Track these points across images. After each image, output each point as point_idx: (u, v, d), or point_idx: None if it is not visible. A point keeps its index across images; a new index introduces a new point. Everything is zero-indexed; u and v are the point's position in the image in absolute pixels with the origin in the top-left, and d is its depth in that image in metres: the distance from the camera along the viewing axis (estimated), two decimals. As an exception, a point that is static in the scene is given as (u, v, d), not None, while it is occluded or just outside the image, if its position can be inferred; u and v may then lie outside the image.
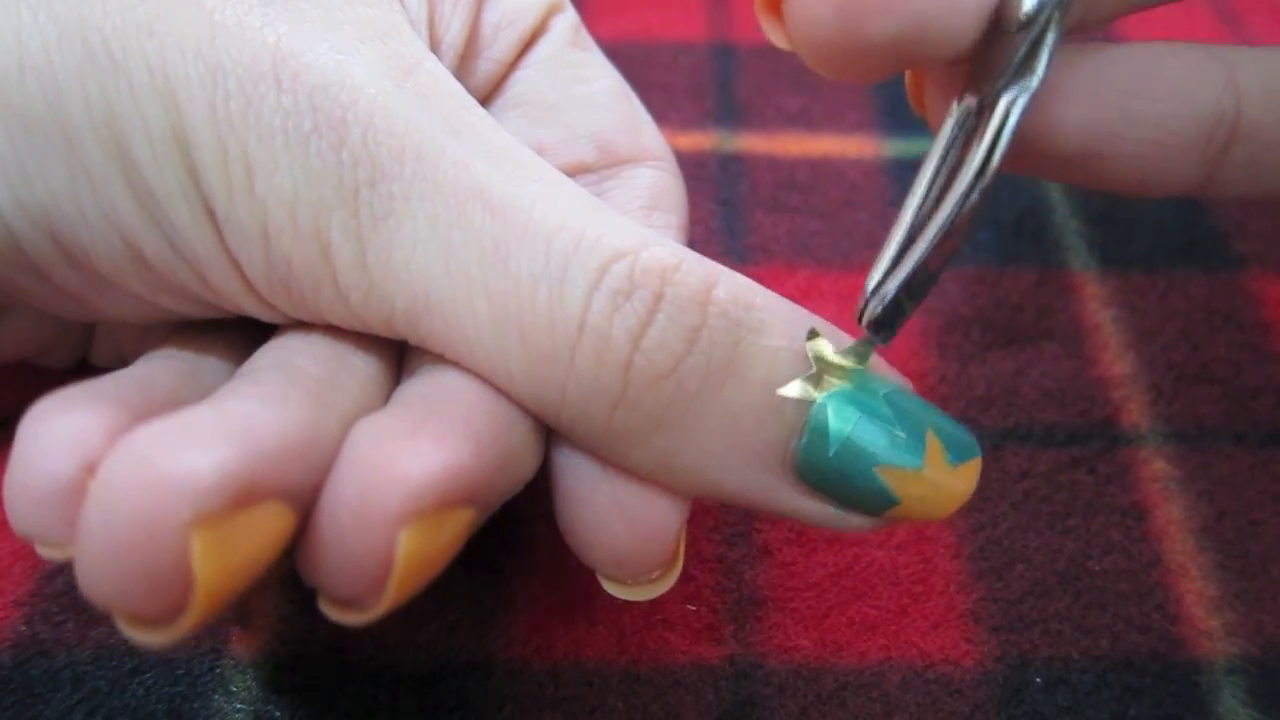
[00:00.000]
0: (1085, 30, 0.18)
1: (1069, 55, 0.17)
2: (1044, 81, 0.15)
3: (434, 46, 0.19)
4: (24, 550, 0.21)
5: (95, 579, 0.13)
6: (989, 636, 0.21)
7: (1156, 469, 0.24)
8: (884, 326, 0.16)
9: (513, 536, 0.22)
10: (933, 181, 0.16)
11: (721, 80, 0.33)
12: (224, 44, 0.16)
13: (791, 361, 0.16)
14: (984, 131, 0.16)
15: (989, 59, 0.16)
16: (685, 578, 0.22)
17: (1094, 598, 0.22)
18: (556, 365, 0.16)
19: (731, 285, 0.16)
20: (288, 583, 0.21)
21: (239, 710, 0.19)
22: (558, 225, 0.16)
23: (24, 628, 0.20)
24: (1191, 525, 0.23)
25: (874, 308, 0.16)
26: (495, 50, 0.21)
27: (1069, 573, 0.22)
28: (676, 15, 0.35)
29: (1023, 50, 0.15)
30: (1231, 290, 0.28)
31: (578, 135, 0.21)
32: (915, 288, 0.16)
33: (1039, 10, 0.15)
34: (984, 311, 0.27)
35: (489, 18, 0.21)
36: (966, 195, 0.15)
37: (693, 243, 0.28)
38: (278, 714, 0.19)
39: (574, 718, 0.20)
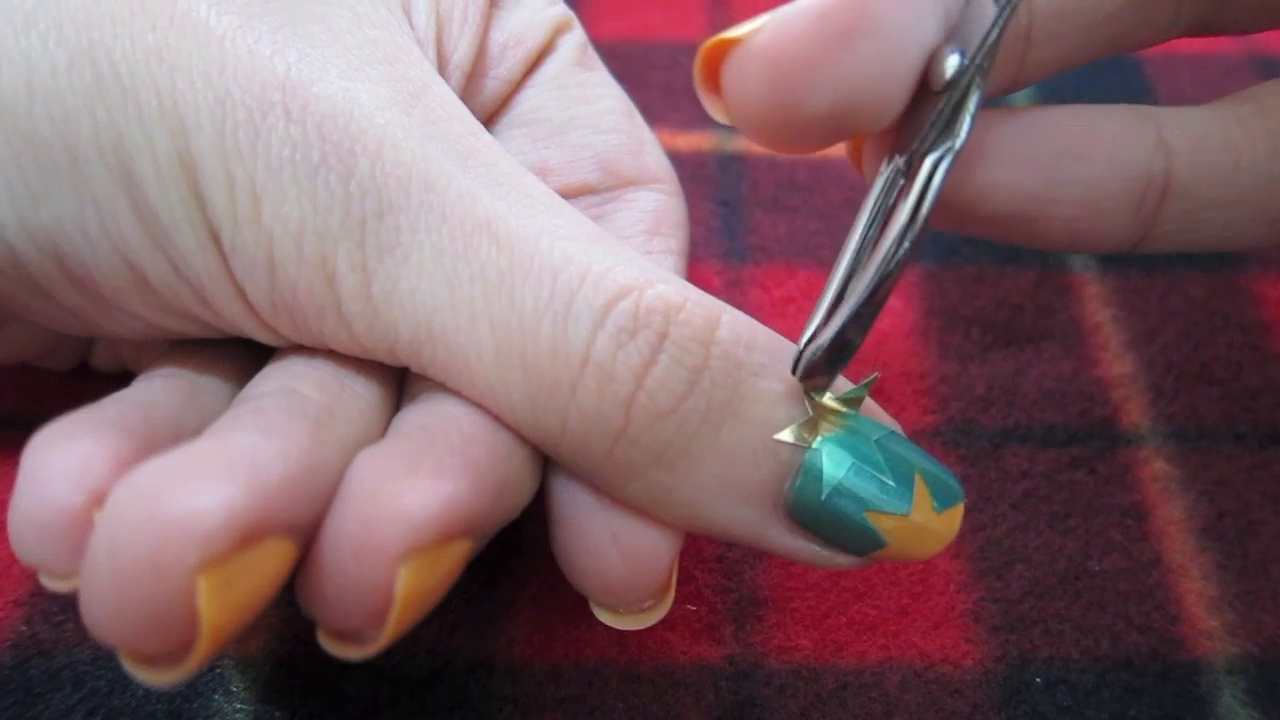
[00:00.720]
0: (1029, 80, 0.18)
1: (1000, 118, 0.18)
2: (967, 141, 0.16)
3: (441, 66, 0.19)
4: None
5: (100, 618, 0.13)
6: (989, 636, 0.21)
7: (1156, 469, 0.24)
8: (820, 376, 0.16)
9: (513, 537, 0.22)
10: (864, 239, 0.17)
11: (721, 80, 0.33)
12: (233, 72, 0.16)
13: (789, 404, 0.16)
14: (909, 190, 0.16)
15: (914, 120, 0.16)
16: (685, 578, 0.22)
17: (1094, 598, 0.22)
18: (558, 398, 0.16)
19: (733, 325, 0.16)
20: (287, 583, 0.21)
21: (239, 710, 0.19)
22: (563, 259, 0.16)
23: (24, 628, 0.20)
24: (1191, 525, 0.23)
25: (808, 359, 0.16)
26: (502, 69, 0.21)
27: (1069, 573, 0.22)
28: (676, 15, 0.35)
29: (946, 111, 0.16)
30: (1231, 290, 0.28)
31: (582, 156, 0.21)
32: (847, 340, 0.16)
33: (960, 72, 0.16)
34: (984, 311, 0.27)
35: (496, 37, 0.21)
36: (894, 252, 0.16)
37: (693, 243, 0.28)
38: (278, 714, 0.19)
39: (574, 718, 0.20)
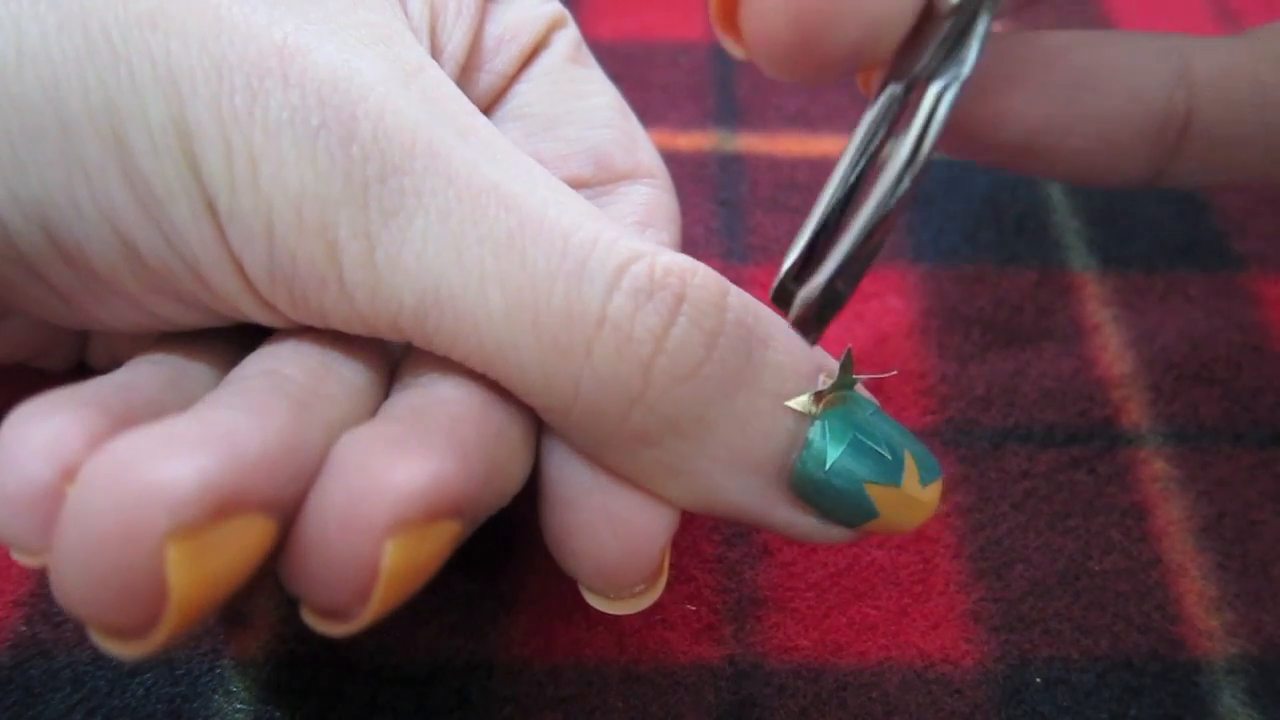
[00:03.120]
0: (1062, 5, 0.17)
1: (1016, 42, 0.17)
2: (975, 69, 0.15)
3: (435, 56, 0.19)
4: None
5: (68, 587, 0.13)
6: (989, 636, 0.21)
7: (1156, 469, 0.24)
8: (817, 322, 0.16)
9: (513, 537, 0.22)
10: (852, 167, 0.16)
11: (721, 80, 0.33)
12: (229, 39, 0.16)
13: (795, 376, 0.16)
14: (913, 119, 0.15)
15: (917, 44, 0.15)
16: (685, 578, 0.22)
17: (1094, 598, 0.22)
18: (572, 359, 0.15)
19: (740, 295, 0.16)
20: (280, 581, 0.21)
21: (239, 710, 0.19)
22: (573, 224, 0.16)
23: (24, 628, 0.20)
24: (1191, 525, 0.23)
25: (803, 301, 0.16)
26: (497, 63, 0.21)
27: (1069, 573, 0.22)
28: (676, 15, 0.35)
29: (953, 35, 0.15)
30: (1231, 290, 0.28)
31: (575, 150, 0.21)
32: (846, 279, 0.16)
33: None
34: (984, 311, 0.27)
35: (491, 30, 0.21)
36: (896, 184, 0.15)
37: (693, 243, 0.28)
38: (278, 714, 0.19)
39: (574, 718, 0.20)
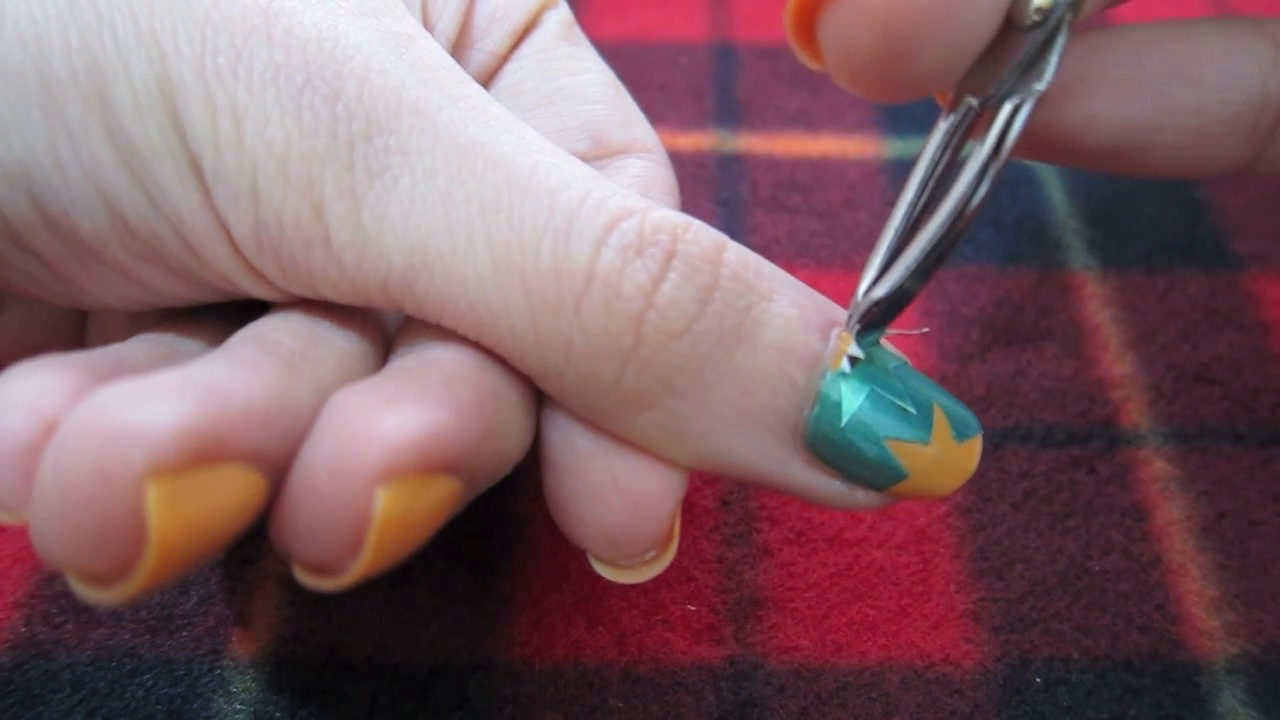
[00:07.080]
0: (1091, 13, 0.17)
1: (1099, 43, 0.17)
2: (1052, 84, 0.15)
3: None
4: (23, 552, 0.21)
5: (46, 533, 0.13)
6: (989, 636, 0.21)
7: (1156, 469, 0.24)
8: (874, 329, 0.16)
9: (513, 536, 0.22)
10: (925, 180, 0.16)
11: (721, 80, 0.33)
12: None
13: (804, 330, 0.16)
14: (988, 135, 0.15)
15: (995, 58, 0.15)
16: (685, 578, 0.22)
17: (1094, 598, 0.22)
18: (562, 317, 0.15)
19: (740, 250, 0.16)
20: (287, 583, 0.21)
21: (239, 710, 0.19)
22: (562, 182, 0.16)
23: (23, 629, 0.20)
24: (1191, 525, 0.23)
25: (865, 308, 0.16)
26: (488, 42, 0.21)
27: (1069, 573, 0.22)
28: (676, 15, 0.35)
29: (1032, 50, 0.15)
30: (1231, 290, 0.28)
31: (569, 126, 0.21)
32: (907, 290, 0.16)
33: (1053, 7, 0.15)
34: (984, 311, 0.27)
35: (482, 9, 0.21)
36: (967, 199, 0.15)
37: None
38: (278, 714, 0.19)
39: (574, 718, 0.20)
